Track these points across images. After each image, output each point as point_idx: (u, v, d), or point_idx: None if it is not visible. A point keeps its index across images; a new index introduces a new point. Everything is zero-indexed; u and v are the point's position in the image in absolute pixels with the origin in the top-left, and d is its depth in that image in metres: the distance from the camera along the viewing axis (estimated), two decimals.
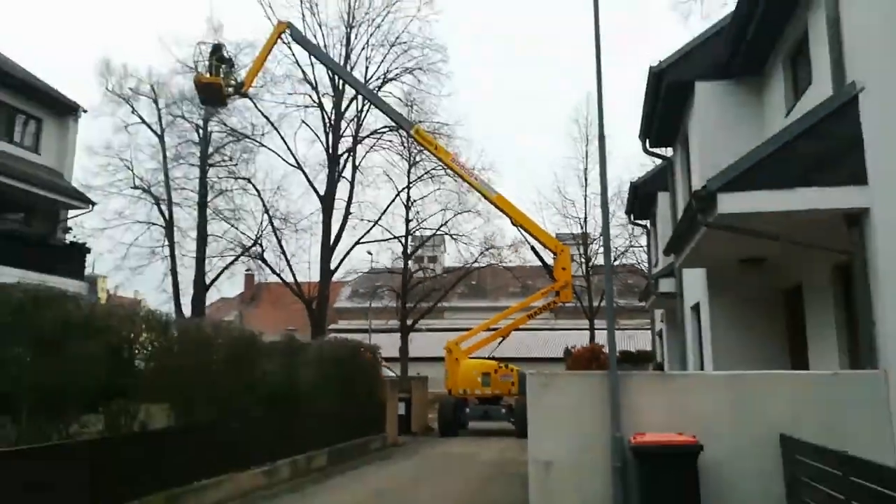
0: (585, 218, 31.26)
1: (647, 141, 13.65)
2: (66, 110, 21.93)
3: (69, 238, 21.82)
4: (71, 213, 22.22)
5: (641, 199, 19.05)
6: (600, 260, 30.84)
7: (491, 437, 20.68)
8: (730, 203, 7.28)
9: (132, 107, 29.41)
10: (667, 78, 11.27)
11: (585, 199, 31.16)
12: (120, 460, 8.12)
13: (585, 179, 31.03)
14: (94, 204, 23.10)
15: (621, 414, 7.13)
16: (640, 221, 22.07)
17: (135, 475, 8.32)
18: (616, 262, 29.27)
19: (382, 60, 29.84)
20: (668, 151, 14.67)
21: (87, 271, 23.46)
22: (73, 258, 20.61)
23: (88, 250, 22.25)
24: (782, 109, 9.82)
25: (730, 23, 10.15)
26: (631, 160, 66.57)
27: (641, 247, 29.64)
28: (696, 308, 12.38)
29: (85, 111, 23.02)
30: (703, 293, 11.14)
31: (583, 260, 30.94)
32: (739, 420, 6.91)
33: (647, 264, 26.90)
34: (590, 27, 7.92)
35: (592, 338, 29.62)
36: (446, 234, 31.30)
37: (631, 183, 19.56)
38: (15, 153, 19.91)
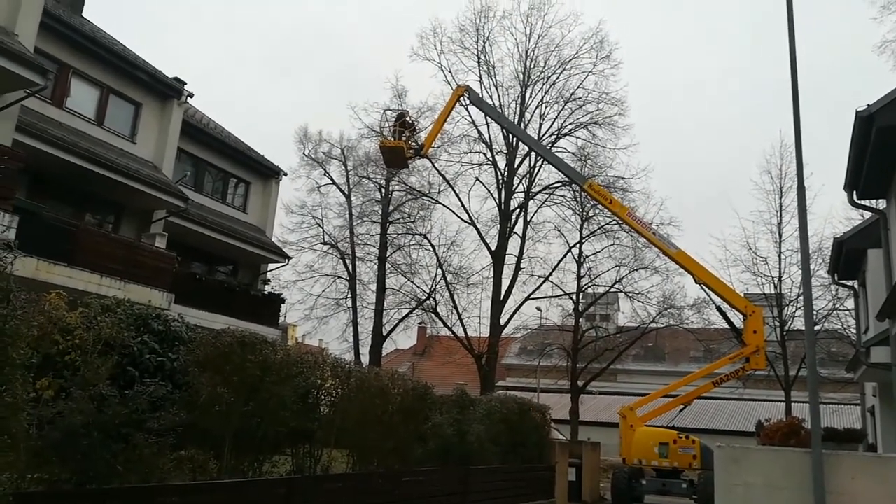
0: (780, 276, 28.33)
1: (854, 192, 12.26)
2: (270, 174, 24.62)
3: (268, 289, 24.14)
4: (270, 266, 24.63)
5: (847, 257, 17.08)
6: (798, 324, 27.77)
7: None
8: None
9: (324, 169, 32.50)
10: (878, 122, 10.13)
11: (780, 256, 28.29)
12: (307, 501, 8.54)
13: (779, 234, 28.27)
14: (289, 258, 25.50)
15: (826, 498, 6.34)
16: (845, 282, 19.73)
17: None
18: (818, 327, 26.16)
19: (556, 116, 30.22)
20: (881, 203, 13.07)
21: (280, 320, 25.70)
22: (270, 307, 22.71)
23: (283, 301, 24.46)
24: None
25: None
26: (833, 214, 60.44)
27: (847, 310, 26.33)
28: None
29: (285, 174, 25.74)
30: None
31: (777, 323, 28.04)
32: None
33: (854, 330, 23.88)
34: (784, 69, 7.40)
35: (788, 411, 26.58)
36: (620, 291, 30.13)
37: (835, 239, 17.60)
38: (228, 213, 22.62)
